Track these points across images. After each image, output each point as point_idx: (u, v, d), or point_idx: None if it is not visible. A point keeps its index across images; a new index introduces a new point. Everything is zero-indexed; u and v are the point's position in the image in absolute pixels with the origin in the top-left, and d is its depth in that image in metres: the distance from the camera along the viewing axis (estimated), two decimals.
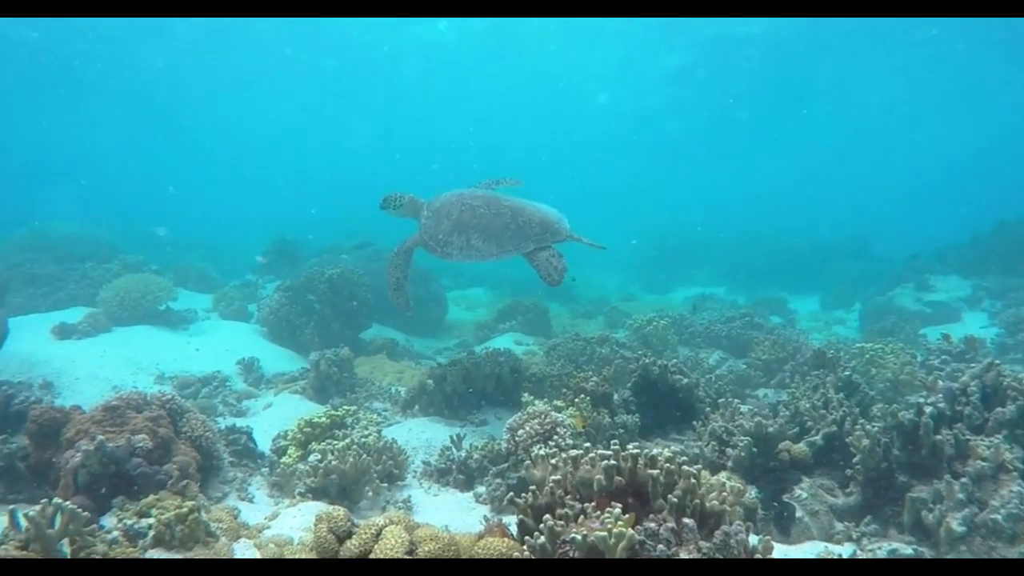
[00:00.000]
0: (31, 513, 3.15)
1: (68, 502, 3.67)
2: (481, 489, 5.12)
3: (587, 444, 4.92)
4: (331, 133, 50.99)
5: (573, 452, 3.11)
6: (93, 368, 8.71)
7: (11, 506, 4.21)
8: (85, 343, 9.85)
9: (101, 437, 4.16)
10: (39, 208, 24.61)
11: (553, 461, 3.27)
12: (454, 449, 5.70)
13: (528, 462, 3.57)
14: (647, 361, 5.91)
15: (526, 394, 6.64)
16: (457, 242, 6.07)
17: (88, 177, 46.63)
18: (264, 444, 6.09)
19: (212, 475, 5.11)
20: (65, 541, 3.30)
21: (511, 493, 3.25)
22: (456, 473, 5.46)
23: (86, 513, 3.32)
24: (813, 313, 18.41)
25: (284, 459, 5.33)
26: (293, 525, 4.24)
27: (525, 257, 6.05)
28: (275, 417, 7.35)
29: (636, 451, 2.89)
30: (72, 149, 50.93)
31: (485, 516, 3.15)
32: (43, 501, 3.29)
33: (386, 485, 5.10)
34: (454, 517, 4.65)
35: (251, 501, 5.03)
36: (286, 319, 10.86)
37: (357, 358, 9.34)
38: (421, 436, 6.42)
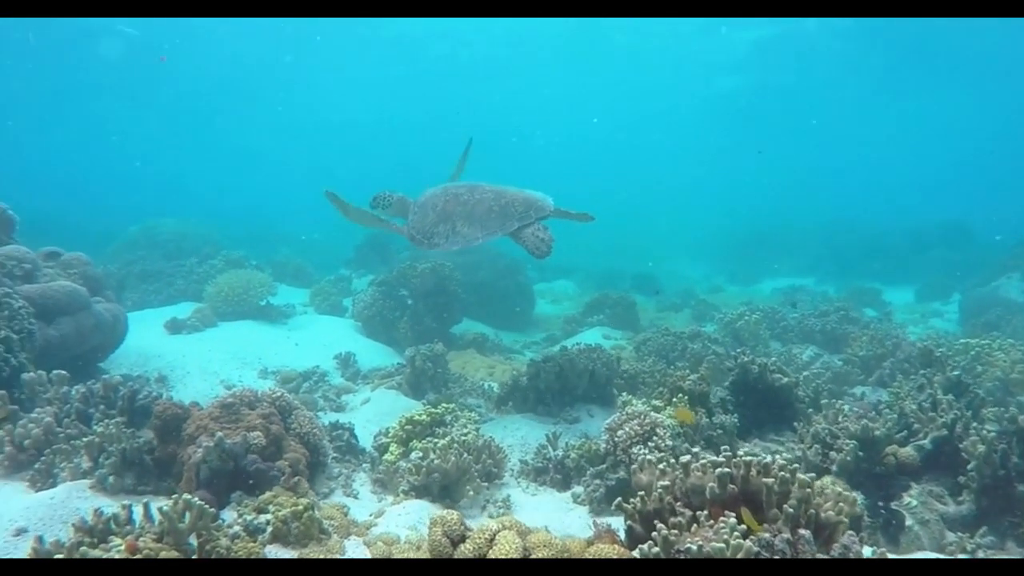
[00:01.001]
0: (165, 508, 3.34)
1: (193, 496, 3.89)
2: (579, 489, 5.15)
3: (686, 445, 4.93)
4: (417, 136, 51.73)
5: (684, 458, 3.10)
6: (202, 362, 9.14)
7: (140, 497, 4.50)
8: (194, 338, 10.35)
9: (220, 434, 4.38)
10: (147, 206, 25.95)
11: (661, 466, 3.27)
12: (550, 448, 5.74)
13: (635, 467, 3.57)
14: (746, 360, 5.81)
15: (624, 393, 6.64)
16: (443, 231, 6.10)
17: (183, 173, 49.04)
18: (364, 439, 6.28)
19: (319, 471, 5.31)
20: (193, 535, 3.50)
21: (619, 499, 3.25)
22: (553, 472, 5.50)
23: (212, 509, 3.50)
24: (908, 305, 17.65)
25: (386, 456, 5.49)
26: (399, 523, 4.36)
27: (512, 237, 6.04)
28: (373, 412, 7.56)
29: (749, 458, 2.86)
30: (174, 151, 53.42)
31: (594, 521, 3.17)
32: (174, 497, 3.49)
33: (486, 484, 5.18)
34: (553, 517, 4.70)
35: (356, 497, 5.20)
36: (380, 314, 11.14)
37: (448, 353, 9.50)
38: (516, 433, 6.50)
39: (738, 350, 6.12)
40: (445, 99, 40.77)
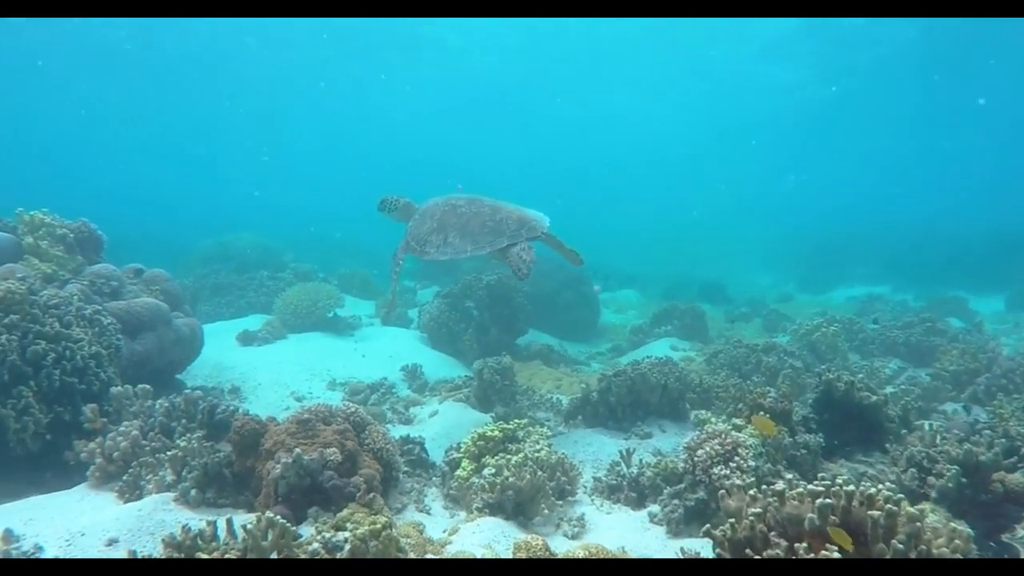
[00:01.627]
0: (249, 526, 3.42)
1: (273, 512, 3.98)
2: (655, 508, 5.08)
3: (769, 465, 4.83)
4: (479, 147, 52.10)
5: (778, 486, 3.02)
6: (273, 374, 9.35)
7: (220, 510, 4.63)
8: (265, 349, 10.60)
9: (298, 450, 4.47)
10: (216, 220, 26.71)
11: (752, 492, 3.20)
12: (624, 465, 5.69)
13: (722, 492, 3.51)
14: (830, 377, 5.64)
15: (702, 412, 6.54)
16: (435, 240, 6.15)
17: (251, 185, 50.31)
18: (434, 453, 6.33)
19: (391, 486, 5.37)
20: (274, 552, 3.57)
21: (707, 526, 3.19)
22: (627, 490, 5.45)
23: (293, 528, 3.57)
24: (998, 314, 16.91)
25: (458, 472, 5.51)
26: (474, 541, 4.37)
27: (500, 254, 6.03)
28: (442, 425, 7.61)
29: (851, 488, 2.78)
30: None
31: (682, 548, 3.12)
32: (256, 515, 3.57)
33: (560, 502, 5.16)
34: (629, 538, 4.65)
35: (428, 513, 5.24)
36: (445, 325, 11.23)
37: (514, 365, 9.51)
38: (587, 449, 6.47)
39: (822, 367, 5.94)
40: (500, 111, 40.97)
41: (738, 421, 5.64)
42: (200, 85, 36.61)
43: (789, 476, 4.70)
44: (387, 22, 27.29)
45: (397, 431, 7.44)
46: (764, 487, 3.12)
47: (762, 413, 5.44)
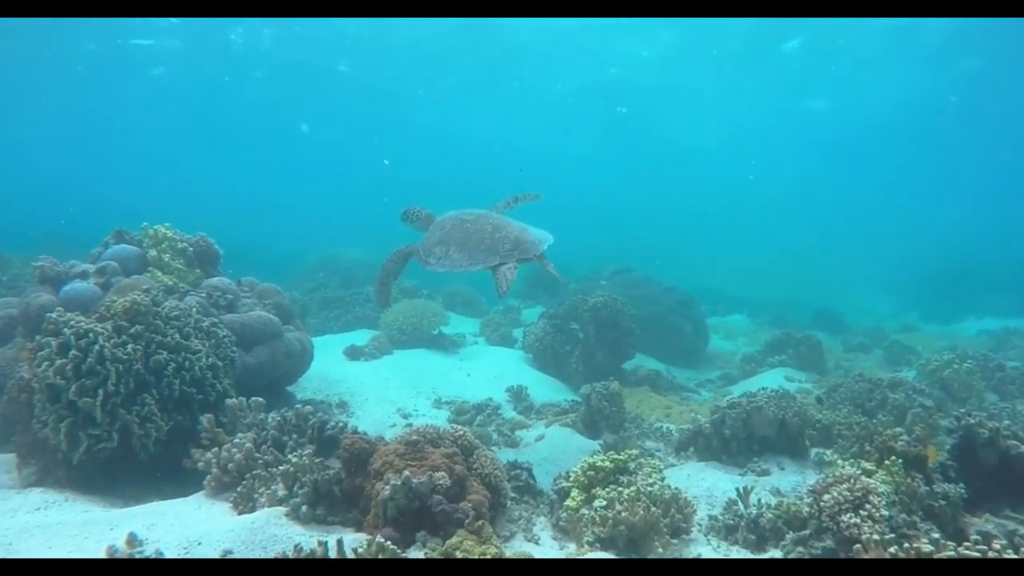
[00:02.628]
0: (360, 549, 3.32)
1: (382, 535, 3.88)
2: (776, 553, 4.72)
3: (904, 515, 4.41)
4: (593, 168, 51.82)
5: (924, 546, 2.70)
6: (379, 390, 9.39)
7: (329, 527, 4.58)
8: (371, 365, 10.69)
9: (407, 473, 4.36)
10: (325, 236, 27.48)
11: (892, 549, 2.88)
12: (741, 504, 5.34)
13: (858, 546, 3.19)
14: (971, 422, 5.14)
15: (826, 451, 6.11)
16: (438, 252, 6.30)
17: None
18: (541, 478, 6.14)
19: (499, 513, 5.20)
20: None
21: None
22: (745, 531, 5.09)
23: (402, 555, 3.45)
24: None
25: (568, 502, 5.29)
26: None
27: (491, 271, 6.06)
28: (548, 450, 7.41)
29: (1010, 556, 2.43)
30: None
31: None
32: (367, 538, 3.47)
33: (674, 540, 4.87)
34: None
35: (537, 543, 5.04)
36: (550, 347, 11.06)
37: (615, 382, 9.19)
38: (701, 484, 6.13)
39: (960, 410, 5.42)
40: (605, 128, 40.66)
41: (868, 465, 5.20)
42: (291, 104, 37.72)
43: (927, 528, 4.29)
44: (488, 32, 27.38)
45: (503, 454, 7.30)
46: (906, 545, 2.78)
47: (894, 458, 5.00)
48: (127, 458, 5.22)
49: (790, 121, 38.16)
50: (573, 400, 9.39)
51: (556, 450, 7.41)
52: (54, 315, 5.34)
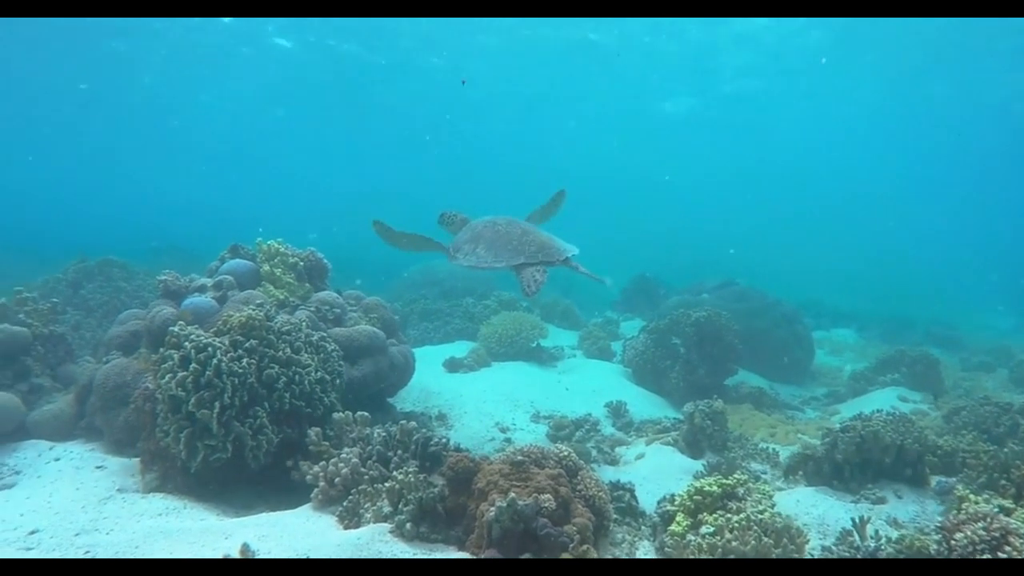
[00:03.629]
0: None
1: (486, 556, 3.85)
2: None
3: None
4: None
5: None
6: (478, 402, 9.43)
7: (432, 545, 4.60)
8: (470, 377, 10.76)
9: (513, 495, 4.34)
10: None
11: None
12: (857, 536, 5.07)
13: None
14: None
15: (957, 484, 5.74)
16: (466, 249, 6.57)
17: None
18: (642, 499, 6.01)
19: (602, 535, 5.11)
20: None
21: None
22: None
23: None
24: None
25: (672, 527, 5.15)
26: None
27: (514, 270, 6.35)
28: (649, 470, 7.26)
29: None
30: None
31: None
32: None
33: None
34: None
35: None
36: (651, 362, 10.87)
37: (719, 400, 8.90)
38: (812, 511, 5.86)
39: None
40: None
41: (1005, 502, 4.84)
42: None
43: None
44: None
45: (603, 472, 7.22)
46: None
47: None
48: (238, 467, 5.41)
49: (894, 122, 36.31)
50: (674, 418, 9.19)
51: (657, 470, 7.25)
52: (176, 328, 5.60)
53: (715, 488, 5.32)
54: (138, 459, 5.92)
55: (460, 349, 12.18)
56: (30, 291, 8.46)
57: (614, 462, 7.70)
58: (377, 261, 25.30)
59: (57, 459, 6.24)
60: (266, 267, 7.23)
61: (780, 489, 6.56)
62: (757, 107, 33.38)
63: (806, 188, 53.19)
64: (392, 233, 6.67)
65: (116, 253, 12.79)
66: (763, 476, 6.97)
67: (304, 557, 4.22)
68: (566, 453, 5.27)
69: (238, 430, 5.25)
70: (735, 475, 5.65)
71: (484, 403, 9.45)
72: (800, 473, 6.73)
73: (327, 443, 5.62)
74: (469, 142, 46.90)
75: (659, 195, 56.88)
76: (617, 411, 9.31)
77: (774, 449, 7.76)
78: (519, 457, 4.94)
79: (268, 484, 5.63)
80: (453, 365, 11.13)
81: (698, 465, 7.25)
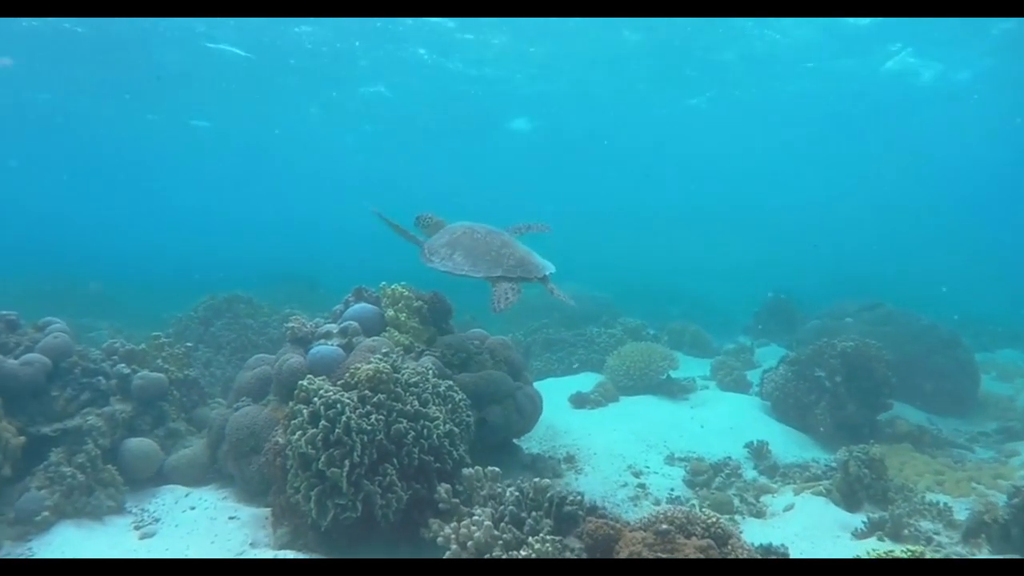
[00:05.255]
0: None
1: None
2: None
3: None
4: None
5: None
6: (608, 442, 9.00)
7: None
8: (598, 413, 10.37)
9: None
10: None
11: None
12: None
13: None
14: None
15: None
16: (442, 253, 6.55)
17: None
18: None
19: None
20: None
21: None
22: None
23: None
24: None
25: None
26: None
27: (490, 281, 6.35)
28: (801, 524, 6.63)
29: None
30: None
31: None
32: None
33: None
34: None
35: None
36: (793, 395, 10.12)
37: (876, 445, 8.10)
38: None
39: None
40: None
41: None
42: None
43: None
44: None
45: (749, 526, 6.68)
46: None
47: None
48: (368, 524, 5.25)
49: None
50: (823, 460, 8.50)
51: (810, 525, 6.62)
52: (305, 383, 5.53)
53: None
54: (269, 510, 5.89)
55: (585, 382, 11.80)
56: (164, 331, 8.81)
57: (760, 514, 7.10)
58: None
59: (192, 508, 6.31)
60: (390, 312, 7.12)
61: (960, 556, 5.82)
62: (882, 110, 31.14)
63: (942, 188, 49.33)
64: (387, 221, 6.82)
65: (241, 283, 13.25)
66: (936, 538, 6.21)
67: None
68: (714, 520, 4.80)
69: (368, 488, 5.09)
70: (909, 545, 5.00)
71: (614, 443, 9.02)
72: (982, 536, 5.95)
73: (457, 500, 5.38)
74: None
75: (783, 212, 54.48)
76: (759, 452, 8.66)
77: (945, 504, 6.91)
78: (664, 526, 4.52)
79: (398, 541, 5.46)
80: (579, 400, 10.76)
81: (856, 521, 6.58)
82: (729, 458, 8.44)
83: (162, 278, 24.57)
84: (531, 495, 5.33)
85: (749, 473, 8.27)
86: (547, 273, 6.54)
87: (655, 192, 52.42)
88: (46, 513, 5.76)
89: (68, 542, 5.65)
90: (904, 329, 12.56)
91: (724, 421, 10.10)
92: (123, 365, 7.19)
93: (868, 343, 10.00)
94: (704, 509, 5.87)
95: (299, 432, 5.18)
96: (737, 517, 6.93)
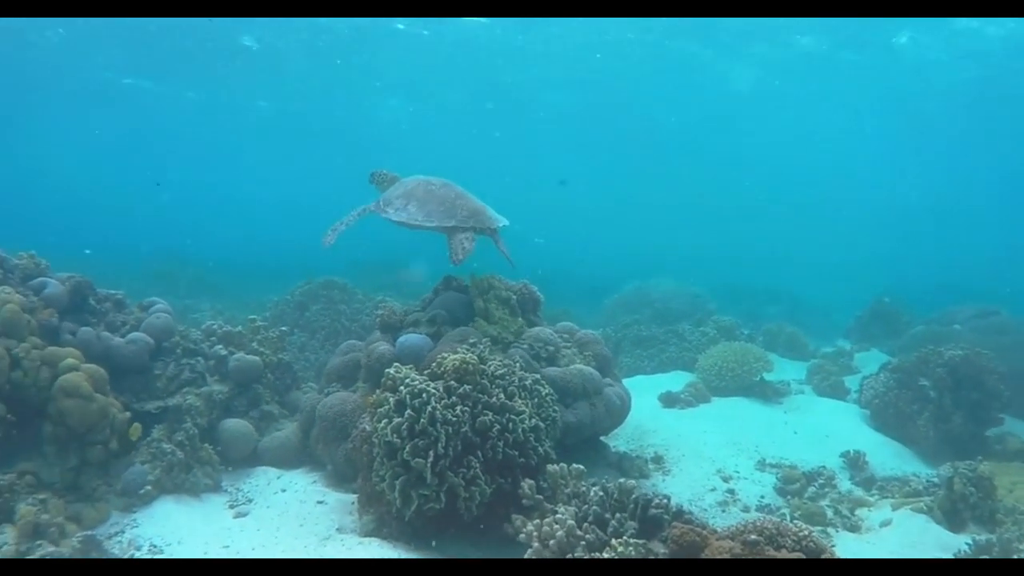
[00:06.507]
0: None
1: None
2: None
3: None
4: None
5: None
6: (697, 444, 8.80)
7: None
8: (688, 414, 10.15)
9: None
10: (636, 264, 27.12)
11: None
12: None
13: None
14: None
15: None
16: (397, 204, 6.64)
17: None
18: None
19: None
20: None
21: None
22: None
23: None
24: None
25: None
26: None
27: (446, 233, 6.52)
28: (898, 542, 6.29)
29: None
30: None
31: None
32: None
33: None
34: None
35: None
36: (893, 405, 9.63)
37: (984, 462, 7.60)
38: None
39: None
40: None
41: None
42: None
43: None
44: None
45: (842, 539, 6.41)
46: None
47: None
48: (451, 517, 5.27)
49: None
50: (925, 475, 8.05)
51: (908, 543, 6.28)
52: (392, 371, 5.59)
53: None
54: (355, 495, 6.00)
55: (675, 381, 11.57)
56: (261, 314, 9.09)
57: (855, 528, 6.77)
58: (585, 277, 25.09)
59: (284, 490, 6.52)
60: (479, 302, 7.12)
61: None
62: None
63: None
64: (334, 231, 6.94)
65: (336, 269, 13.58)
66: None
67: None
68: (806, 533, 4.59)
69: (452, 480, 5.11)
70: None
71: (704, 445, 8.81)
72: None
73: (541, 496, 5.34)
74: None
75: (894, 207, 51.68)
76: (855, 463, 8.28)
77: None
78: (752, 536, 4.36)
79: (481, 535, 5.46)
80: (669, 400, 10.55)
81: (959, 542, 6.19)
82: (823, 467, 8.09)
83: (266, 262, 25.40)
84: (616, 496, 5.24)
85: (844, 484, 7.91)
86: (499, 225, 6.71)
87: (757, 185, 50.80)
88: (149, 487, 6.05)
89: (168, 516, 5.92)
90: (1021, 340, 11.78)
91: (819, 428, 9.72)
92: (220, 346, 7.48)
93: (979, 352, 9.42)
94: (795, 520, 5.66)
95: (385, 420, 5.23)
96: (830, 530, 6.64)
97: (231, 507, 6.24)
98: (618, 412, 7.18)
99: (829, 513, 6.98)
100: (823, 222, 54.47)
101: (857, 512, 7.11)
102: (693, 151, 41.33)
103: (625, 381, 8.94)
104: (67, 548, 5.06)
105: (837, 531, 6.67)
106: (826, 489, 7.62)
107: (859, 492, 7.72)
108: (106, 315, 7.18)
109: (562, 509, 5.11)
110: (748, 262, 36.00)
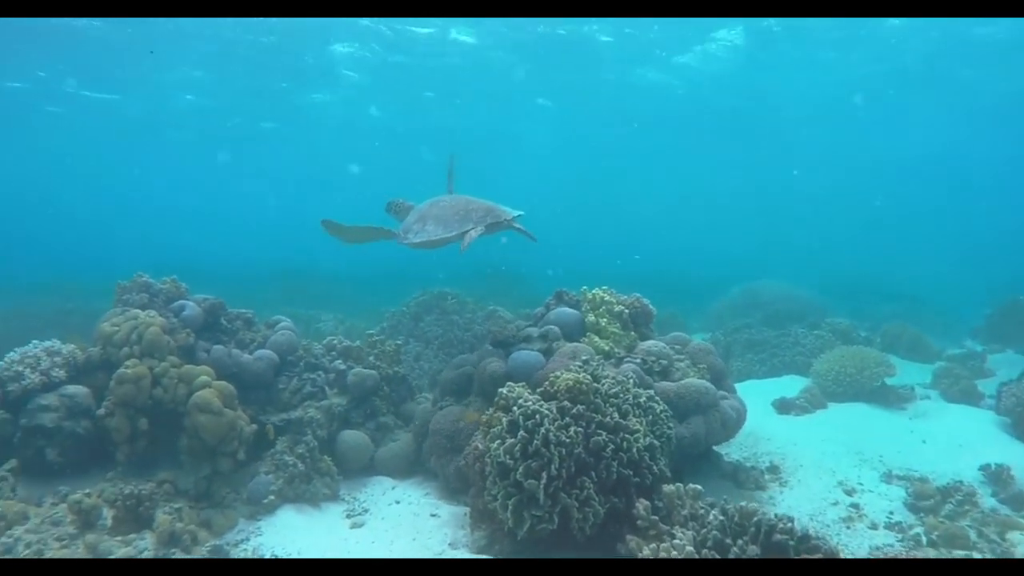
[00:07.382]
0: None
1: None
2: None
3: None
4: None
5: None
6: (815, 454, 8.40)
7: None
8: (803, 420, 9.73)
9: None
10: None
11: None
12: None
13: None
14: None
15: None
16: (415, 228, 6.83)
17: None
18: None
19: None
20: None
21: None
22: None
23: None
24: None
25: None
26: None
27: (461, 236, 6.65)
28: None
29: None
30: None
31: None
32: None
33: None
34: None
35: None
36: None
37: None
38: None
39: None
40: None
41: None
42: None
43: None
44: None
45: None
46: None
47: None
48: (564, 536, 5.23)
49: None
50: None
51: None
52: (505, 390, 5.59)
53: None
54: (467, 509, 6.04)
55: (789, 386, 11.13)
56: (379, 324, 9.29)
57: (1006, 555, 6.21)
58: (692, 279, 24.53)
59: (398, 501, 6.64)
60: (591, 317, 7.05)
61: None
62: None
63: None
64: (342, 229, 6.93)
65: (450, 279, 13.77)
66: None
67: None
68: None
69: (565, 502, 5.06)
70: None
71: (823, 455, 8.40)
72: None
73: (656, 517, 5.21)
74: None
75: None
76: (998, 478, 7.63)
77: None
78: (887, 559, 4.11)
79: (594, 555, 5.38)
80: (784, 406, 10.16)
81: None
82: (960, 481, 7.50)
83: (375, 274, 26.02)
84: (736, 519, 5.05)
85: (987, 501, 7.27)
86: (513, 216, 6.82)
87: (867, 180, 48.40)
88: (272, 497, 6.32)
89: (289, 525, 6.15)
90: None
91: (951, 437, 9.08)
92: (340, 361, 7.75)
93: None
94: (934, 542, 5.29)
95: (498, 441, 5.24)
96: (975, 555, 6.17)
97: (348, 517, 6.44)
98: (733, 425, 6.95)
99: (973, 536, 6.36)
100: (935, 213, 51.44)
101: (1008, 536, 6.44)
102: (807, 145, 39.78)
103: (736, 385, 8.64)
104: (197, 556, 5.35)
105: (983, 556, 6.18)
106: (966, 507, 6.99)
107: (1006, 512, 7.03)
108: (236, 333, 7.74)
109: (680, 532, 4.95)
110: (861, 259, 34.40)
